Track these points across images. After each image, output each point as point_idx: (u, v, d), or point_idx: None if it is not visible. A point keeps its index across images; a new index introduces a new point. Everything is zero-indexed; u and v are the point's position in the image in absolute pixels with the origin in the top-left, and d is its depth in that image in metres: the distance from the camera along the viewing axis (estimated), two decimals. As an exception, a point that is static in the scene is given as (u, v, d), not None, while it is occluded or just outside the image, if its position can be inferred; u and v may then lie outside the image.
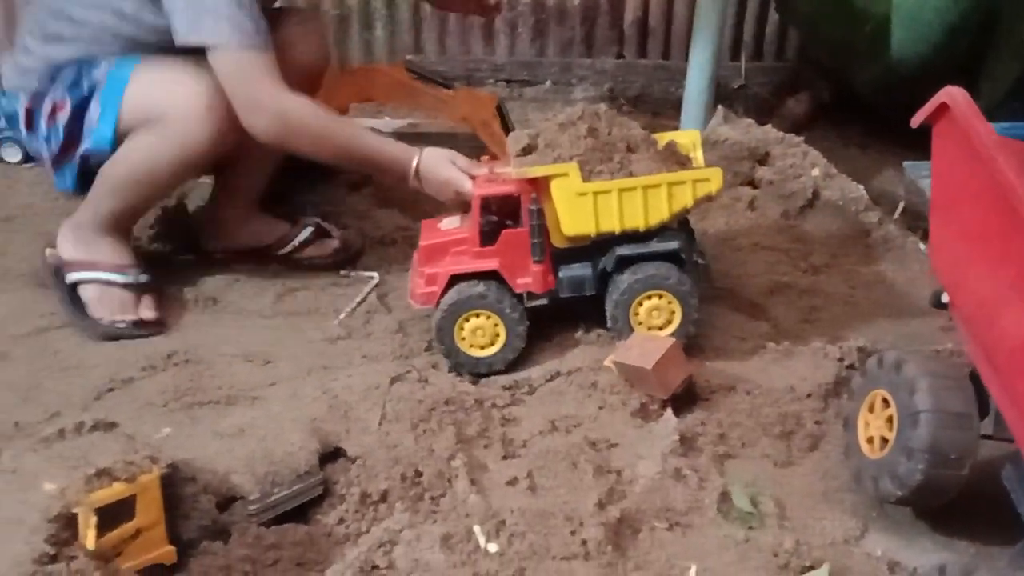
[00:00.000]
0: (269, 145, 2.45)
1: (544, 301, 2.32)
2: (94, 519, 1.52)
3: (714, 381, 2.23)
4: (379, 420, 1.98)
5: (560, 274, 2.32)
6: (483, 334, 2.29)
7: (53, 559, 1.45)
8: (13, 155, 3.48)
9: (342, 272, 2.82)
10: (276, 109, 2.35)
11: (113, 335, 2.49)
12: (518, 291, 2.30)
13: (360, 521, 1.85)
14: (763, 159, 3.01)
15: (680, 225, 2.38)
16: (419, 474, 1.89)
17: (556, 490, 1.91)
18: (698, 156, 2.42)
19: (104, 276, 2.54)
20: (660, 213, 2.25)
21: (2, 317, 2.55)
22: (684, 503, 1.90)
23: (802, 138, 3.05)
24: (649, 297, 2.28)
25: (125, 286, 2.56)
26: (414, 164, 2.42)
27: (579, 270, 2.32)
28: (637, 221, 2.25)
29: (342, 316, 2.62)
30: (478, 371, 2.31)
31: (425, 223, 2.46)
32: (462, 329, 2.28)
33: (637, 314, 2.29)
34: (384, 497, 1.87)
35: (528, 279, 2.29)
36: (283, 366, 2.40)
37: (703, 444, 2.06)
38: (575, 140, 2.23)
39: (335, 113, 2.57)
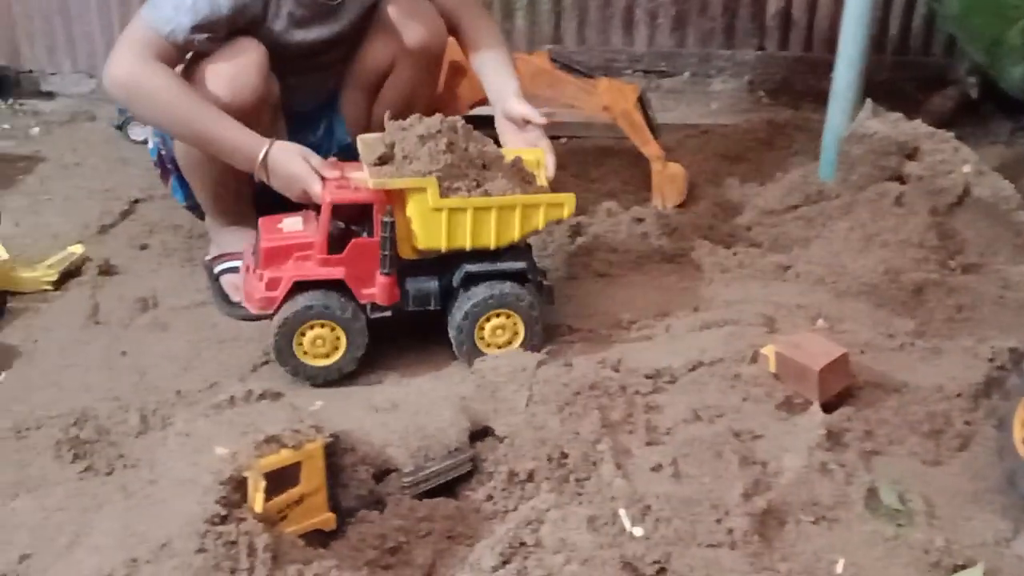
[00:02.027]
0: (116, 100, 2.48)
1: (388, 313, 2.28)
2: (263, 483, 1.58)
3: (861, 377, 2.21)
4: (526, 401, 2.01)
5: (407, 287, 2.28)
6: (323, 344, 2.24)
7: (224, 520, 1.52)
8: (138, 133, 3.63)
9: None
10: (119, 73, 2.35)
11: (252, 317, 2.57)
12: (362, 302, 2.26)
13: (507, 499, 1.88)
14: (912, 154, 2.95)
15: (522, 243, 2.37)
16: (565, 456, 1.92)
17: (701, 478, 1.92)
18: (541, 175, 2.41)
19: (236, 264, 2.63)
20: (511, 233, 2.27)
21: (162, 291, 2.66)
22: (831, 497, 1.89)
23: (952, 133, 2.98)
24: (497, 315, 2.28)
25: None
26: (261, 154, 2.33)
27: (426, 283, 2.29)
28: (488, 240, 2.26)
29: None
30: (316, 381, 2.27)
31: (264, 221, 2.35)
32: (302, 337, 2.23)
33: (482, 330, 2.29)
34: (531, 477, 1.90)
35: (374, 290, 2.25)
36: (428, 342, 2.46)
37: (850, 440, 2.04)
38: (435, 154, 2.19)
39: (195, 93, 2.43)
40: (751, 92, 4.19)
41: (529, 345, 2.31)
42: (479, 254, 2.28)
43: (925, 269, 2.66)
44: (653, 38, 4.29)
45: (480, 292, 2.27)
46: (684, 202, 3.19)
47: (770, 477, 1.93)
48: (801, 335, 2.26)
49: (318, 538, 1.71)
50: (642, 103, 3.23)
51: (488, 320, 2.29)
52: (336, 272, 2.22)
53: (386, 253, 2.20)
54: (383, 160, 2.22)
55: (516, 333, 2.31)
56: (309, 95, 2.78)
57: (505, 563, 1.71)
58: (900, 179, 2.95)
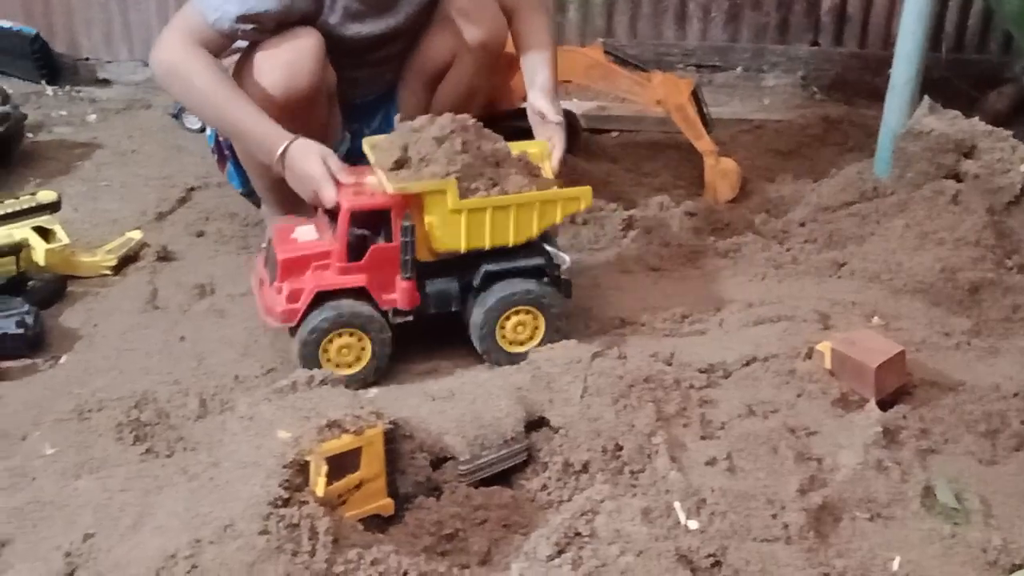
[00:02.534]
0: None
1: (410, 318, 2.26)
2: (325, 467, 1.60)
3: (917, 375, 2.20)
4: (581, 393, 2.01)
5: (426, 289, 2.26)
6: (349, 352, 2.21)
7: (286, 503, 1.54)
8: (194, 122, 3.67)
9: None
10: (162, 56, 2.41)
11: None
12: (384, 308, 2.23)
13: (562, 489, 1.89)
14: (969, 152, 2.93)
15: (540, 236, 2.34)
16: (619, 448, 1.93)
17: (756, 473, 1.92)
18: (546, 167, 2.40)
19: None
20: (530, 230, 2.26)
21: (219, 278, 2.70)
22: (886, 495, 1.89)
23: (1011, 132, 2.96)
24: (516, 312, 2.27)
25: None
26: (281, 148, 2.32)
27: (445, 285, 2.27)
28: (506, 238, 2.25)
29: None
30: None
31: (277, 230, 2.33)
32: (328, 347, 2.19)
33: (503, 328, 2.28)
34: (585, 468, 1.91)
35: (395, 295, 2.22)
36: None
37: (906, 438, 2.04)
38: (451, 155, 2.17)
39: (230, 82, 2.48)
40: (804, 88, 4.17)
41: (549, 340, 2.29)
42: (496, 252, 2.27)
43: (981, 268, 2.64)
44: (706, 32, 4.28)
45: (500, 290, 2.26)
46: (737, 197, 3.19)
47: (825, 473, 1.93)
48: (857, 332, 2.25)
49: (376, 523, 1.73)
50: (696, 97, 3.23)
51: (509, 318, 2.28)
52: (358, 279, 2.19)
53: (407, 258, 2.18)
54: (399, 164, 2.19)
55: (537, 329, 2.31)
56: (367, 87, 2.80)
57: (560, 552, 1.72)
58: (956, 177, 2.93)
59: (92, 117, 3.90)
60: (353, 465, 1.68)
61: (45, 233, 2.63)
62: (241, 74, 2.53)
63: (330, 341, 2.18)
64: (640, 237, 2.90)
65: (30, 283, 2.52)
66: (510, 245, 2.26)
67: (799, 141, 3.55)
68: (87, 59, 4.29)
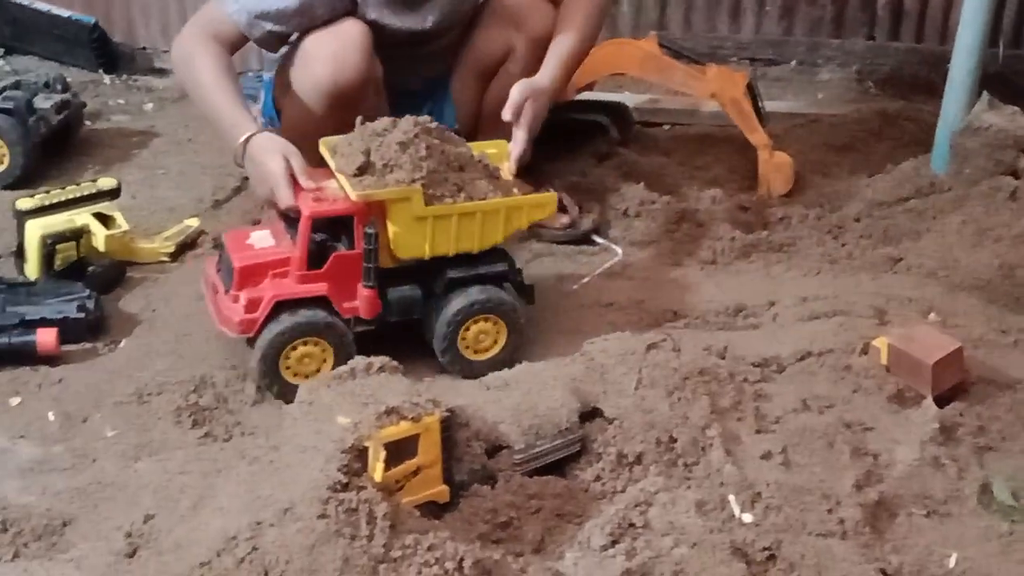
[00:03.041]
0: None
1: (371, 326, 2.21)
2: (383, 453, 1.62)
3: (973, 372, 2.18)
4: (635, 385, 2.02)
5: (388, 297, 2.19)
6: (311, 362, 2.15)
7: (345, 487, 1.55)
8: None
9: (592, 236, 2.88)
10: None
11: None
12: (345, 316, 2.17)
13: (615, 480, 1.89)
14: (1028, 149, 2.90)
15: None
16: (673, 440, 1.92)
17: (811, 468, 1.91)
18: (505, 168, 2.35)
19: None
20: (495, 236, 2.23)
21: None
22: (943, 492, 1.88)
23: (1071, 128, 2.92)
24: (477, 320, 2.22)
25: None
26: (244, 137, 2.30)
27: (408, 292, 2.21)
28: (472, 244, 2.21)
29: (584, 280, 2.69)
30: None
31: (231, 237, 2.26)
32: (288, 357, 2.13)
33: (464, 337, 2.22)
34: (639, 459, 1.91)
35: (356, 303, 2.16)
36: (533, 327, 2.48)
37: (963, 435, 2.02)
38: (416, 162, 2.11)
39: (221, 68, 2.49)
40: (859, 82, 4.13)
41: (510, 348, 2.26)
42: (459, 258, 2.22)
43: (1041, 265, 2.61)
44: (760, 25, 4.25)
45: (463, 298, 2.21)
46: (790, 192, 3.16)
47: (882, 469, 1.92)
48: (914, 328, 2.24)
49: (431, 510, 1.74)
50: (751, 91, 3.21)
51: (470, 327, 2.23)
52: (318, 288, 2.13)
53: (370, 266, 2.12)
54: (362, 169, 2.13)
55: (499, 336, 2.26)
56: (414, 78, 2.80)
57: (614, 543, 1.72)
58: (1015, 174, 2.90)
59: (149, 106, 3.94)
60: (410, 452, 1.70)
61: (105, 219, 2.66)
62: (289, 66, 2.56)
63: (292, 349, 2.12)
64: (693, 230, 2.89)
65: (90, 269, 2.56)
66: (474, 252, 2.23)
67: (854, 136, 3.51)
68: (144, 48, 4.33)
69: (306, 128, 2.54)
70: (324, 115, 2.53)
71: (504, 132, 2.72)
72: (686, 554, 1.69)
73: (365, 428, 1.63)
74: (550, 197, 2.29)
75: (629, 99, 3.71)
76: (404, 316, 2.23)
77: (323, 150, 2.26)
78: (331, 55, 2.46)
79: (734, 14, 4.23)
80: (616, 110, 3.42)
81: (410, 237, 2.16)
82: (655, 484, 1.83)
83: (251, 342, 2.14)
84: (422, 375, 2.22)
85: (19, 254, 2.58)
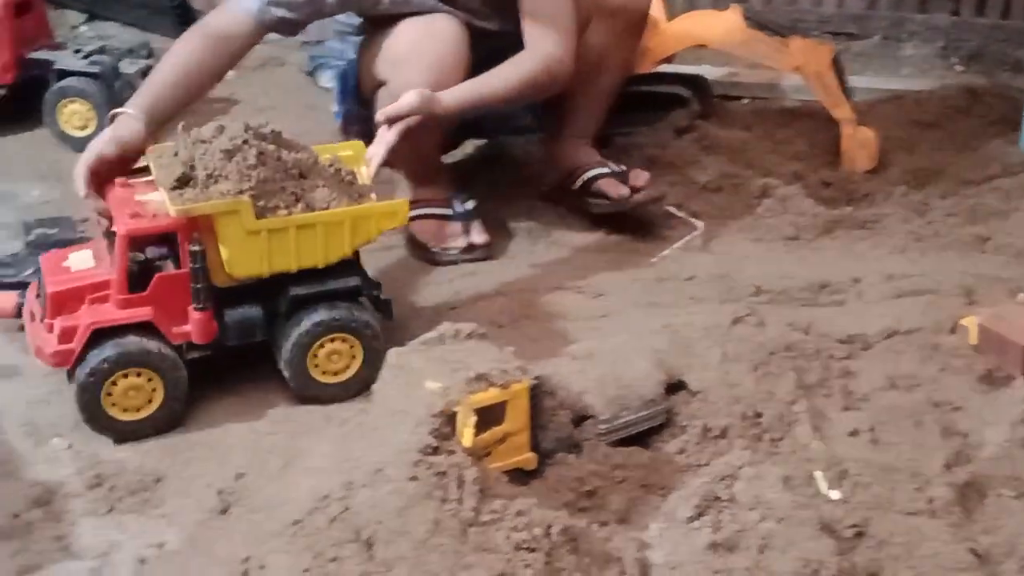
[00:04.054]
0: None
1: (207, 352, 2.03)
2: (472, 419, 1.63)
3: (1067, 354, 2.14)
4: (720, 358, 2.00)
5: (225, 319, 2.00)
6: (137, 394, 1.95)
7: (435, 451, 1.56)
8: (326, 80, 3.72)
9: (668, 208, 2.86)
10: (195, 24, 2.44)
11: (443, 260, 2.64)
12: (176, 342, 1.97)
13: (700, 453, 1.89)
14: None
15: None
16: (759, 415, 1.91)
17: (900, 446, 1.89)
18: (362, 171, 2.14)
19: (426, 211, 2.67)
20: (341, 249, 2.02)
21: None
22: (1035, 474, 1.84)
23: None
24: (327, 341, 2.04)
25: (451, 217, 2.69)
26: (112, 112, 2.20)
27: (247, 312, 2.02)
28: (316, 258, 2.00)
29: (663, 253, 2.68)
30: (132, 438, 1.97)
31: (46, 258, 2.07)
32: (111, 392, 1.93)
33: (316, 357, 2.03)
34: (724, 433, 1.90)
35: (188, 328, 1.96)
36: (612, 299, 2.48)
37: (1054, 416, 1.98)
38: (244, 171, 1.90)
39: None
40: (944, 58, 4.05)
41: (368, 368, 2.03)
42: (304, 273, 2.02)
43: None
44: (844, -1, 4.18)
45: (310, 317, 2.02)
46: (875, 168, 3.11)
47: (971, 449, 1.89)
48: (1004, 307, 2.20)
49: (517, 477, 1.75)
50: (836, 65, 3.16)
51: (322, 346, 2.04)
52: (141, 313, 1.93)
53: (198, 286, 1.92)
54: (183, 182, 1.93)
55: (355, 356, 2.07)
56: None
57: (700, 515, 1.71)
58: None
59: (231, 73, 3.94)
60: (499, 418, 1.71)
61: None
62: (376, 61, 2.51)
63: (114, 384, 1.92)
64: (775, 205, 2.86)
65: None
66: (320, 266, 2.03)
67: (940, 113, 3.43)
68: (223, 16, 4.37)
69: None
70: None
71: (589, 96, 2.74)
72: (773, 528, 1.68)
73: (455, 393, 1.64)
74: (400, 204, 2.10)
75: (708, 72, 3.67)
76: (244, 340, 2.03)
77: (149, 158, 2.06)
78: (430, 64, 2.39)
79: (818, -14, 4.16)
80: (696, 83, 3.39)
81: (243, 254, 1.95)
82: (741, 458, 1.81)
83: (71, 376, 1.96)
84: (273, 402, 2.08)
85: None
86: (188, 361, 2.00)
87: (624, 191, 2.73)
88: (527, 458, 1.77)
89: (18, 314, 2.21)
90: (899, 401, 1.99)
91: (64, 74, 3.18)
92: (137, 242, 1.96)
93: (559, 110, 2.83)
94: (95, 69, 3.16)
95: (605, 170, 2.78)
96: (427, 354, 1.76)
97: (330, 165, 2.07)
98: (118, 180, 2.08)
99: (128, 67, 3.30)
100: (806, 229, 2.77)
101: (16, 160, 3.13)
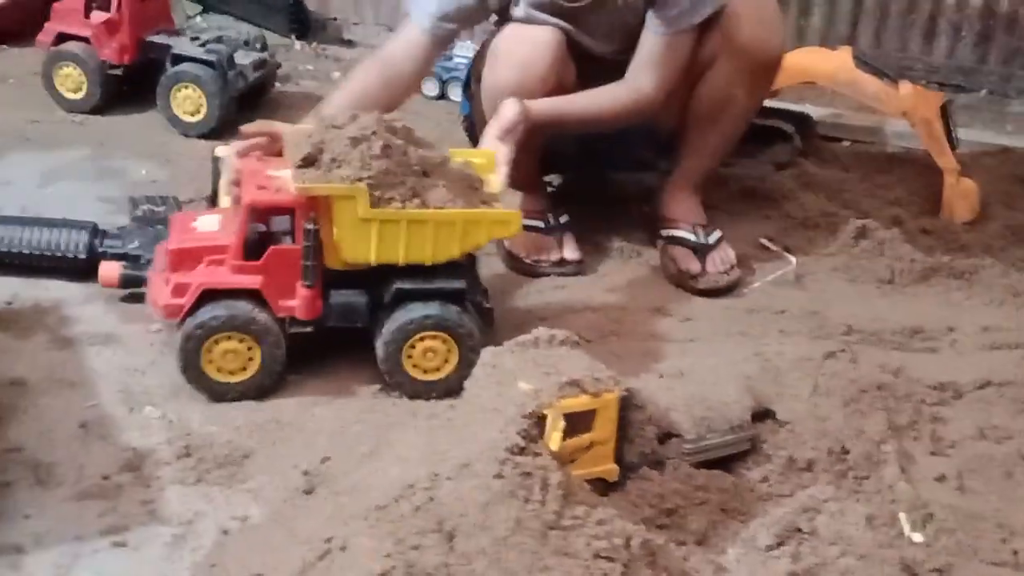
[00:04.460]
0: None
1: (308, 328, 2.05)
2: (562, 423, 1.63)
3: None
4: (810, 391, 1.99)
5: (331, 300, 2.04)
6: (235, 359, 2.02)
7: (522, 451, 1.57)
8: (431, 89, 3.77)
9: (762, 240, 2.85)
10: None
11: (534, 272, 2.65)
12: (279, 315, 2.02)
13: (783, 484, 1.87)
14: None
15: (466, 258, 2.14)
16: (846, 451, 1.90)
17: (987, 495, 1.87)
18: (492, 180, 2.13)
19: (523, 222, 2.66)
20: (450, 250, 2.03)
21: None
22: (1125, 537, 1.80)
23: None
24: (425, 338, 2.05)
25: (545, 230, 2.71)
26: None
27: (352, 298, 2.05)
28: (424, 255, 2.02)
29: (755, 285, 2.67)
30: (223, 398, 2.04)
31: (177, 218, 2.18)
32: (210, 351, 2.00)
33: (411, 355, 2.05)
34: (809, 466, 1.88)
35: (294, 303, 2.01)
36: (701, 325, 2.48)
37: None
38: (366, 159, 1.94)
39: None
40: (1052, 118, 3.99)
41: (461, 370, 2.03)
42: (413, 269, 2.04)
43: None
44: (954, 50, 4.13)
45: (412, 311, 2.04)
46: (974, 220, 3.07)
47: (1061, 507, 1.86)
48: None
49: (597, 487, 1.75)
50: (944, 113, 3.13)
51: (419, 342, 2.06)
52: (252, 281, 2.00)
53: (308, 263, 1.98)
54: (307, 162, 1.98)
55: (449, 357, 2.08)
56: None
57: (780, 544, 1.71)
58: None
59: (336, 74, 4.04)
60: (586, 426, 1.71)
61: None
62: (483, 61, 2.57)
63: (216, 343, 1.99)
64: (872, 248, 2.83)
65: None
66: (428, 264, 2.04)
67: (1046, 170, 3.39)
68: (335, 19, 4.46)
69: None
70: None
71: (706, 136, 2.70)
72: (852, 565, 1.67)
73: (546, 396, 1.64)
74: (514, 215, 2.12)
75: (811, 111, 3.65)
76: (345, 323, 2.07)
77: (285, 139, 2.13)
78: (519, 61, 2.44)
79: (928, 35, 4.12)
80: (800, 119, 3.38)
81: (354, 239, 1.99)
82: (824, 492, 1.81)
83: (179, 328, 2.02)
84: (362, 392, 2.11)
85: (213, 200, 2.69)
86: (288, 336, 2.05)
87: (694, 267, 2.66)
88: (610, 469, 1.77)
89: (122, 284, 2.27)
90: (989, 451, 1.97)
91: (180, 59, 3.26)
92: (258, 212, 2.02)
93: (678, 147, 2.79)
94: (211, 57, 3.24)
95: (689, 236, 2.70)
96: (521, 356, 1.77)
97: (456, 171, 2.08)
98: (255, 153, 2.17)
99: (243, 58, 3.37)
100: (902, 274, 2.74)
101: (127, 139, 3.22)
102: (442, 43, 2.53)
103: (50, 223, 2.44)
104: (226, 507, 1.76)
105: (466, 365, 2.00)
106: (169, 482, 1.82)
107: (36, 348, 2.16)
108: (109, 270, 2.31)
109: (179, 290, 1.99)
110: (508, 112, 2.29)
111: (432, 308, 2.05)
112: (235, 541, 1.68)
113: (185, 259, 2.03)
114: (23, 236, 2.41)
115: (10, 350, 2.14)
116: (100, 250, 2.41)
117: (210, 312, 1.98)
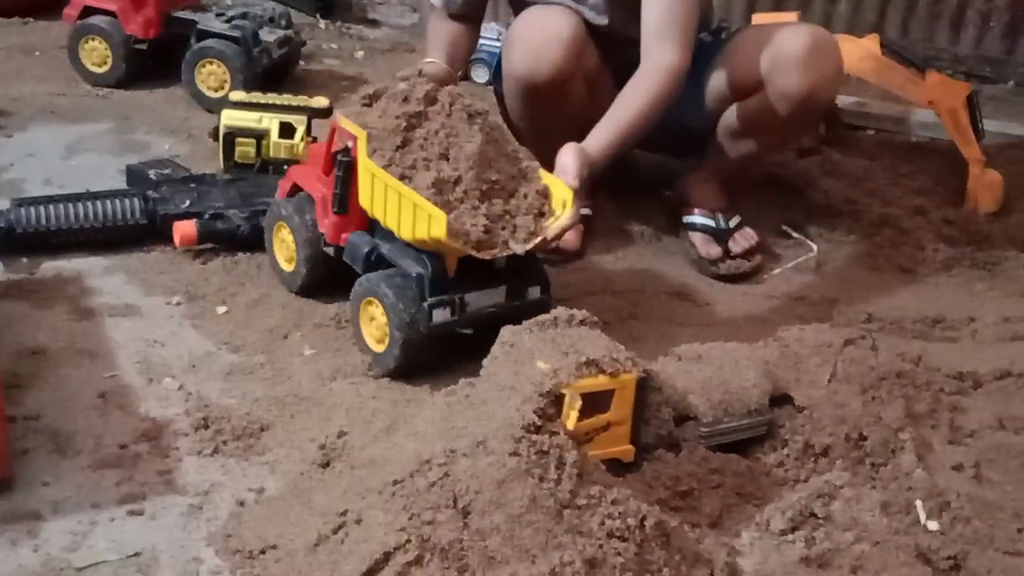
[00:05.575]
0: None
1: (330, 252, 2.21)
2: (578, 403, 1.63)
3: None
4: (829, 377, 1.98)
5: (352, 238, 2.16)
6: (286, 249, 2.30)
7: (539, 429, 1.57)
8: (481, 75, 3.76)
9: (784, 227, 2.84)
10: None
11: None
12: (321, 229, 2.22)
13: (799, 469, 1.87)
14: None
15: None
16: (863, 437, 1.89)
17: (1004, 485, 1.86)
18: (560, 214, 2.01)
19: None
20: (406, 230, 1.97)
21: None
22: None
23: None
24: (371, 303, 2.07)
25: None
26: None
27: (359, 240, 2.15)
28: (392, 223, 2.00)
29: (775, 271, 2.66)
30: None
31: (314, 145, 2.43)
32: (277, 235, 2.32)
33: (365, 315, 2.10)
34: (826, 452, 1.88)
35: (326, 224, 2.19)
36: (720, 309, 2.48)
37: None
38: (397, 116, 1.98)
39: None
40: (1079, 110, 3.95)
41: (391, 348, 2.04)
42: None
43: None
44: (981, 41, 4.10)
45: (369, 275, 2.11)
46: (998, 212, 3.05)
47: (1078, 497, 1.85)
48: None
49: (612, 467, 1.75)
50: (971, 104, 3.10)
51: (367, 306, 2.10)
52: (320, 189, 2.22)
53: (337, 191, 2.13)
54: (367, 101, 2.08)
55: (387, 329, 2.06)
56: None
57: (794, 529, 1.72)
58: None
59: (360, 54, 4.05)
60: (604, 406, 1.71)
61: (292, 131, 2.73)
62: (505, 43, 2.56)
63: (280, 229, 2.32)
64: (894, 236, 2.82)
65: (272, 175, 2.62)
66: (398, 236, 2.01)
67: (1070, 163, 3.36)
68: (360, -2, 4.47)
69: (511, 106, 2.59)
70: (520, 102, 2.52)
71: (737, 147, 2.67)
72: (867, 551, 1.67)
73: (564, 376, 1.65)
74: (438, 214, 1.92)
75: (837, 99, 3.62)
76: (349, 260, 2.16)
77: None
78: (532, 48, 2.40)
79: (955, 26, 4.09)
80: (825, 107, 3.35)
81: (362, 183, 2.05)
82: (840, 478, 1.81)
83: None
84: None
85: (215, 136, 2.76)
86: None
87: (714, 251, 2.65)
88: (626, 450, 1.77)
89: (201, 239, 2.41)
90: (1007, 441, 1.96)
91: (205, 35, 3.27)
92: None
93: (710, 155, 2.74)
94: (236, 33, 3.24)
95: (709, 222, 2.68)
96: (540, 335, 1.78)
97: (538, 188, 2.05)
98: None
99: (267, 35, 3.38)
100: (924, 263, 2.73)
101: (151, 113, 3.23)
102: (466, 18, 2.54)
103: (96, 196, 2.45)
104: (242, 479, 1.77)
105: (394, 345, 2.03)
106: (186, 453, 1.83)
107: (57, 318, 2.17)
108: (187, 228, 2.38)
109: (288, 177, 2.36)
110: (570, 163, 2.10)
111: (383, 277, 2.08)
112: (251, 512, 1.69)
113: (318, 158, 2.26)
114: (80, 211, 2.40)
115: (31, 320, 2.15)
116: (161, 213, 2.45)
117: (280, 205, 2.34)
